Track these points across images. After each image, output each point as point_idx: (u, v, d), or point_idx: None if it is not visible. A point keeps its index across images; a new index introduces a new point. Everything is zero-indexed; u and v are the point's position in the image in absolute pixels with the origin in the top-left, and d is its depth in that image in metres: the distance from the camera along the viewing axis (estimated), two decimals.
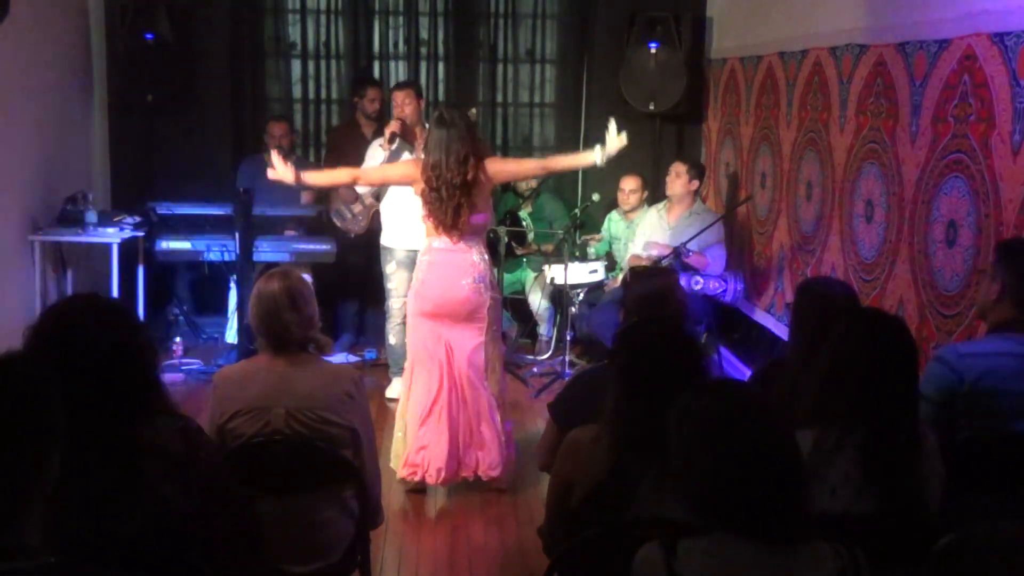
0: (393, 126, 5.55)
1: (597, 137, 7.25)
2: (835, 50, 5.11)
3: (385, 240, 5.81)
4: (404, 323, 5.62)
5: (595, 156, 4.50)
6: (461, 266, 4.43)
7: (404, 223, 5.58)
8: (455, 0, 7.34)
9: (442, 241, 4.44)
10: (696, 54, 7.00)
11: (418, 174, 4.43)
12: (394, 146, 5.37)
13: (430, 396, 4.46)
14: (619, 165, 6.88)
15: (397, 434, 4.63)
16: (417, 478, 4.47)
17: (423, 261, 4.52)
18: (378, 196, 5.82)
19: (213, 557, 2.30)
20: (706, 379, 2.53)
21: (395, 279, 5.73)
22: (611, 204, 6.87)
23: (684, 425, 1.91)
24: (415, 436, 4.47)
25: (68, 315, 2.22)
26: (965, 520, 1.99)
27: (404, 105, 5.62)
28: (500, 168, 4.58)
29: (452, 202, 4.33)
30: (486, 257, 4.52)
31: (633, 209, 6.66)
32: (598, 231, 6.91)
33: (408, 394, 4.56)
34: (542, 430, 3.54)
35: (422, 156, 4.51)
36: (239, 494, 2.55)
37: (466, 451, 4.47)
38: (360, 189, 5.85)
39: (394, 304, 5.76)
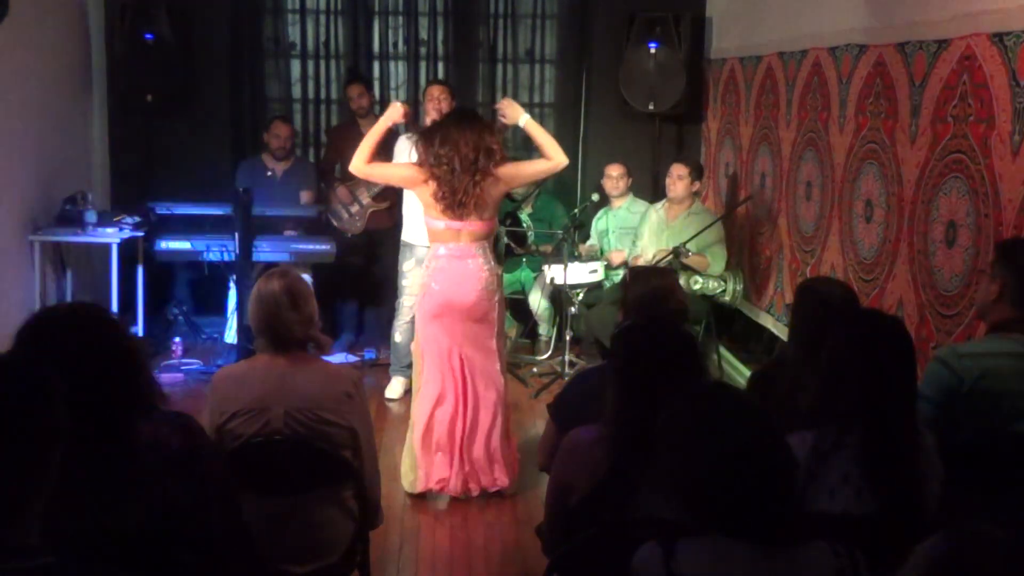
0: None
1: (597, 137, 7.35)
2: (834, 50, 5.11)
3: (407, 236, 5.70)
4: (412, 322, 5.63)
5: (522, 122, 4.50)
6: (469, 272, 4.39)
7: None
8: (455, 0, 7.34)
9: (447, 248, 4.40)
10: (695, 54, 7.00)
11: (422, 175, 4.36)
12: (409, 134, 5.29)
13: (445, 416, 4.45)
14: (608, 157, 6.91)
15: (406, 455, 4.61)
16: (422, 488, 4.50)
17: (428, 267, 4.47)
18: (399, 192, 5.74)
19: (210, 555, 2.30)
20: (701, 380, 2.53)
21: (411, 277, 5.61)
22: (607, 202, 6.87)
23: (672, 430, 1.91)
24: (421, 456, 4.49)
25: (40, 331, 2.22)
26: (962, 520, 1.99)
27: (441, 100, 5.50)
28: (514, 172, 4.47)
29: (467, 176, 4.24)
30: (492, 264, 4.47)
31: (621, 195, 6.69)
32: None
33: (418, 410, 4.53)
34: (541, 430, 3.54)
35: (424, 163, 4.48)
36: (236, 494, 2.55)
37: (475, 472, 4.49)
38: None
39: (405, 302, 5.70)
